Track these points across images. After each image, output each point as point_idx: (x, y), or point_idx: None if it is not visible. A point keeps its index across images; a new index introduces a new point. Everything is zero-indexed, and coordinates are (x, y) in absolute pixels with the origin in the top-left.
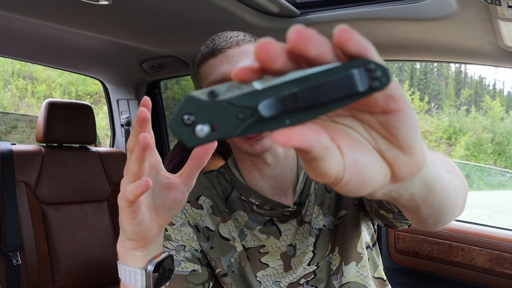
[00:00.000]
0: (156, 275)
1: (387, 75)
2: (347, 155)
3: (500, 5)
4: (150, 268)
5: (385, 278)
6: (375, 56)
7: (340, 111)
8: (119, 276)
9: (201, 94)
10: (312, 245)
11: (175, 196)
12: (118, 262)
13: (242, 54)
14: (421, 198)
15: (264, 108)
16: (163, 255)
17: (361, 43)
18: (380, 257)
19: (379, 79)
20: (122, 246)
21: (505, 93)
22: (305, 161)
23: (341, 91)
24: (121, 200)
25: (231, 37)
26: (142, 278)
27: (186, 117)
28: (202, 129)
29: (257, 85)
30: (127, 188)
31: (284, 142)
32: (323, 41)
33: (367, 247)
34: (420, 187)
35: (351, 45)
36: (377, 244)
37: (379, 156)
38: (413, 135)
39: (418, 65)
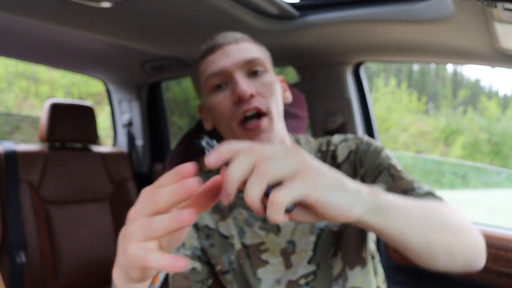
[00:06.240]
0: None
1: None
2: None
3: (496, 8)
4: None
5: None
6: None
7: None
8: None
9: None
10: (313, 243)
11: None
12: None
13: (241, 50)
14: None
15: None
16: (161, 276)
17: None
18: (380, 266)
19: None
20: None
21: (501, 94)
22: None
23: None
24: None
25: (230, 35)
26: None
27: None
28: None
29: None
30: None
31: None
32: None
33: (371, 256)
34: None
35: None
36: (377, 254)
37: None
38: (338, 208)
39: (415, 67)
